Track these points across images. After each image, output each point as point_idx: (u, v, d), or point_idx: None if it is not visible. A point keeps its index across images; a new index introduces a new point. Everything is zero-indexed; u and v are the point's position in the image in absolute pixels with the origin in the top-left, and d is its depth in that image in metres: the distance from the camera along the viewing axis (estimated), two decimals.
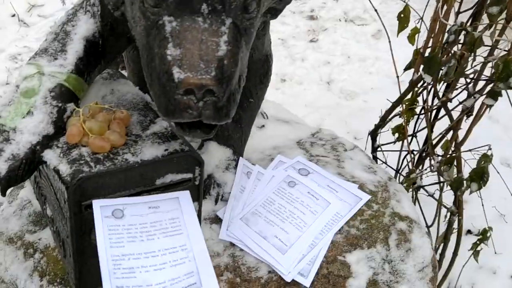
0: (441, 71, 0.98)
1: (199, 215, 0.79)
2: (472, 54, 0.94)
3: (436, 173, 1.33)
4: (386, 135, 1.46)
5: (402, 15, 1.10)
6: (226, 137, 0.95)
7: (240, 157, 0.95)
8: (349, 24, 2.87)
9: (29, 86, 0.69)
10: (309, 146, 1.16)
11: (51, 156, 0.68)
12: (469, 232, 1.73)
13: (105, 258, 0.60)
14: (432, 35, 1.10)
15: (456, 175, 1.28)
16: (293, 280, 0.85)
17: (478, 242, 1.37)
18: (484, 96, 1.05)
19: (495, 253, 1.44)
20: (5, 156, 0.66)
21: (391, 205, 0.99)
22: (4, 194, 0.67)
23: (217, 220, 0.91)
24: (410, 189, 1.43)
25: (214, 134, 0.95)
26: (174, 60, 0.56)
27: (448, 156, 1.23)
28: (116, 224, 0.64)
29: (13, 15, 2.72)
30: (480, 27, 1.05)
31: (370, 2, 1.31)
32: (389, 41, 1.22)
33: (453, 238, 1.43)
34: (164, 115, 0.59)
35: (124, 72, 1.13)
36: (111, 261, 0.61)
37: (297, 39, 2.73)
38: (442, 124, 1.35)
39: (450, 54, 0.96)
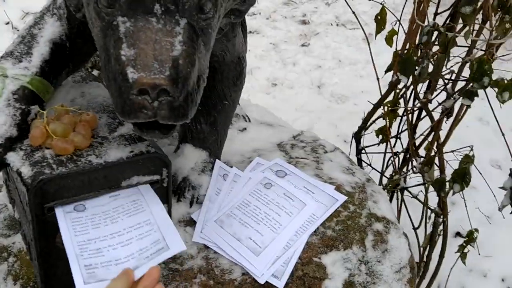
0: (415, 72, 0.98)
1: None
2: (447, 55, 0.94)
3: (419, 174, 1.32)
4: (371, 137, 1.45)
5: (379, 17, 1.10)
6: (201, 139, 0.95)
7: (217, 160, 0.95)
8: (340, 28, 2.88)
9: None
10: (289, 148, 1.16)
11: (14, 158, 0.68)
12: (458, 234, 1.72)
13: (71, 246, 0.61)
14: (409, 37, 1.10)
15: (439, 176, 1.27)
16: (266, 282, 0.84)
17: (464, 244, 1.36)
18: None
19: (479, 254, 1.42)
20: None
21: (367, 206, 0.99)
22: None
23: (192, 223, 0.90)
24: (395, 191, 1.43)
25: (190, 137, 0.98)
26: (128, 60, 0.56)
27: (429, 157, 1.22)
28: (78, 216, 0.64)
29: (7, 23, 2.73)
30: (458, 27, 1.05)
31: (349, 7, 1.31)
32: (369, 44, 1.22)
33: (440, 240, 1.43)
34: (120, 116, 0.59)
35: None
36: (77, 247, 0.61)
37: (289, 43, 2.74)
38: (425, 125, 1.35)
39: (423, 55, 0.96)
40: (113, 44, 0.58)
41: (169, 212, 0.79)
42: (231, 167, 1.00)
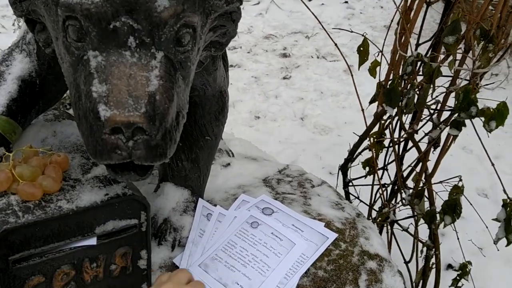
0: (401, 103, 0.96)
1: (148, 265, 0.73)
2: (432, 85, 0.92)
3: (409, 206, 1.29)
4: (358, 169, 1.42)
5: (361, 48, 1.09)
6: (183, 177, 0.90)
7: (200, 199, 0.90)
8: (321, 61, 2.90)
9: None
10: (275, 183, 1.12)
11: None
12: (450, 266, 1.68)
13: None
14: (393, 68, 1.09)
15: (428, 208, 1.24)
16: None
17: (458, 277, 1.32)
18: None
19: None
20: None
21: (359, 243, 0.94)
22: None
23: (174, 268, 0.84)
24: (384, 225, 1.39)
25: (170, 175, 0.92)
26: (100, 97, 0.52)
27: (418, 189, 1.19)
28: None
29: None
30: (441, 57, 1.05)
31: (331, 39, 1.31)
32: (352, 75, 1.21)
33: (433, 273, 1.38)
34: (93, 157, 0.54)
35: None
36: None
37: (270, 76, 2.75)
38: (412, 155, 1.33)
39: (409, 86, 0.94)
40: (84, 80, 0.54)
41: (149, 258, 0.73)
42: (215, 205, 0.95)
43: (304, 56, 2.94)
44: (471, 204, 1.23)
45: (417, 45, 1.15)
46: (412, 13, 1.06)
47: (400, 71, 1.05)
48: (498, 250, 1.15)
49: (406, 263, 1.43)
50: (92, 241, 0.64)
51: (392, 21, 1.15)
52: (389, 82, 1.12)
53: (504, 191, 1.04)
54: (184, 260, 0.84)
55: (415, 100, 0.98)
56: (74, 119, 0.86)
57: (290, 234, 0.90)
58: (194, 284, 0.67)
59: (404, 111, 0.96)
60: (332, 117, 2.41)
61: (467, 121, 1.01)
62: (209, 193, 1.01)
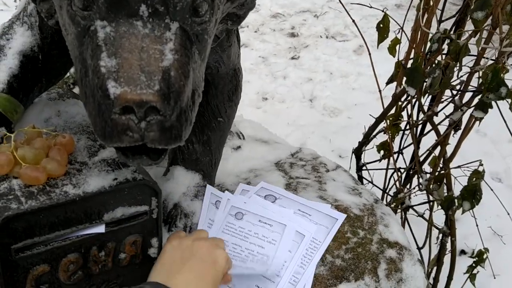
0: (425, 83, 0.91)
1: (159, 253, 0.69)
2: (458, 63, 0.87)
3: (425, 192, 1.25)
4: (371, 153, 1.38)
5: (381, 25, 1.03)
6: (194, 161, 0.86)
7: (208, 185, 0.85)
8: (330, 41, 2.83)
9: None
10: (288, 167, 1.07)
11: None
12: (463, 252, 1.64)
13: None
14: (414, 46, 1.03)
15: (446, 194, 1.20)
16: None
17: (474, 265, 1.28)
18: (473, 108, 0.98)
19: (494, 278, 1.35)
20: None
21: (378, 231, 0.90)
22: None
23: None
24: (399, 210, 1.35)
25: (181, 158, 0.88)
26: (109, 72, 0.46)
27: (437, 174, 1.15)
28: None
29: None
30: (466, 35, 0.99)
31: (350, 16, 1.25)
32: (369, 54, 1.15)
33: (446, 260, 1.35)
34: (101, 139, 0.49)
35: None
36: None
37: (278, 56, 2.68)
38: (429, 139, 1.28)
39: (434, 65, 0.88)
40: (91, 53, 0.48)
41: (160, 247, 0.68)
42: (224, 191, 0.90)
43: (312, 36, 2.87)
44: (491, 190, 1.19)
45: (440, 21, 1.09)
46: None
47: (423, 49, 0.99)
48: None
49: (419, 249, 1.40)
50: (100, 228, 0.60)
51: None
52: (410, 61, 1.06)
53: None
54: None
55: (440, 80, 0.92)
56: (79, 98, 0.81)
57: (277, 215, 0.84)
58: (216, 240, 0.73)
59: (428, 91, 0.90)
60: (341, 99, 2.35)
61: None
62: (219, 177, 0.97)
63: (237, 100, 0.84)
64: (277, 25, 2.95)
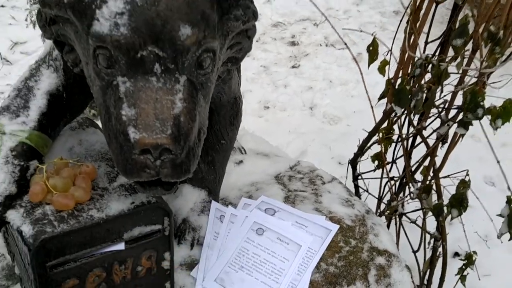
0: (410, 104, 0.99)
1: (171, 265, 0.78)
2: (440, 86, 0.95)
3: (417, 199, 1.33)
4: (367, 162, 1.46)
5: (371, 48, 1.11)
6: (200, 179, 0.95)
7: (212, 201, 0.94)
8: (330, 49, 2.91)
9: None
10: (287, 180, 1.16)
11: (14, 216, 0.67)
12: (456, 254, 1.72)
13: None
14: (402, 67, 1.12)
15: (436, 201, 1.28)
16: None
17: (463, 267, 1.36)
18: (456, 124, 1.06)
19: (479, 279, 1.43)
20: None
21: (369, 240, 0.99)
22: None
23: (194, 265, 0.89)
24: (393, 217, 1.43)
25: (188, 178, 0.97)
26: (129, 120, 0.56)
27: (426, 183, 1.23)
28: None
29: None
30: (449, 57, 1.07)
31: (335, 29, 1.33)
32: (361, 73, 1.23)
33: (440, 263, 1.43)
34: (123, 174, 0.59)
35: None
36: None
37: (279, 65, 2.76)
38: (421, 150, 1.36)
39: (417, 86, 0.97)
40: (113, 103, 0.58)
41: (172, 260, 0.78)
42: (227, 205, 0.99)
43: (312, 44, 2.95)
44: (477, 198, 1.26)
45: (426, 43, 1.17)
46: (422, 12, 1.08)
47: (409, 71, 1.08)
48: (502, 242, 1.19)
49: (414, 252, 1.47)
50: (121, 246, 0.69)
51: (401, 21, 1.17)
52: (398, 81, 1.14)
53: (509, 188, 1.07)
54: (201, 264, 0.88)
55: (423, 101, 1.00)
56: (96, 126, 0.90)
57: (295, 236, 0.93)
58: None
59: (412, 112, 0.99)
60: (341, 106, 2.43)
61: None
62: (224, 192, 1.06)
63: (237, 124, 0.93)
64: (278, 34, 3.03)
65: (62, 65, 0.76)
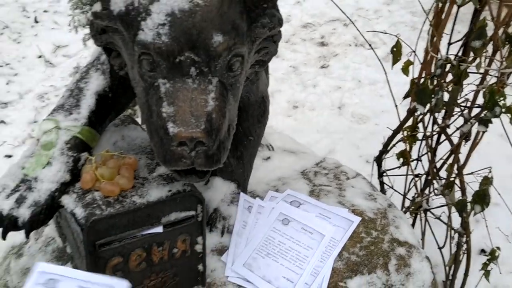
0: (431, 102, 1.03)
1: (203, 249, 0.86)
2: (460, 85, 0.99)
3: (441, 196, 1.36)
4: (393, 160, 1.50)
5: (394, 49, 1.16)
6: (229, 172, 1.03)
7: (241, 193, 1.02)
8: (359, 49, 2.94)
9: (48, 140, 0.79)
10: (312, 175, 1.22)
11: (68, 201, 0.76)
12: (482, 251, 1.73)
13: None
14: (425, 67, 1.16)
15: (460, 198, 1.31)
16: None
17: (487, 262, 1.38)
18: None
19: (500, 273, 1.44)
20: (28, 203, 0.75)
21: (390, 232, 1.04)
22: (27, 237, 0.76)
23: (224, 251, 0.97)
24: (417, 212, 1.47)
25: (219, 170, 1.05)
26: (169, 116, 0.64)
27: (449, 180, 1.26)
28: None
29: (40, 56, 2.90)
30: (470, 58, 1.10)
31: (358, 29, 1.37)
32: (385, 73, 1.28)
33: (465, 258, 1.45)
34: (162, 164, 0.67)
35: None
36: None
37: (308, 65, 2.81)
38: (445, 148, 1.39)
39: (438, 86, 1.01)
40: (155, 102, 0.67)
41: (204, 244, 0.86)
42: (255, 197, 1.06)
43: (342, 44, 2.98)
44: (499, 195, 1.29)
45: (449, 44, 1.21)
46: (443, 15, 1.12)
47: (431, 71, 1.12)
48: None
49: (440, 248, 1.50)
50: (159, 229, 0.78)
51: (424, 22, 1.21)
52: (421, 81, 1.18)
53: None
54: (231, 251, 0.95)
55: (445, 99, 1.04)
56: (136, 123, 0.99)
57: (319, 226, 0.99)
58: None
59: (433, 110, 1.03)
60: (369, 106, 2.46)
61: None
62: (252, 185, 1.13)
63: (265, 122, 1.00)
64: (307, 35, 3.08)
65: (109, 68, 0.85)
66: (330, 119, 2.39)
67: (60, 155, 0.78)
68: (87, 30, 2.03)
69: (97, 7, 0.70)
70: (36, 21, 3.23)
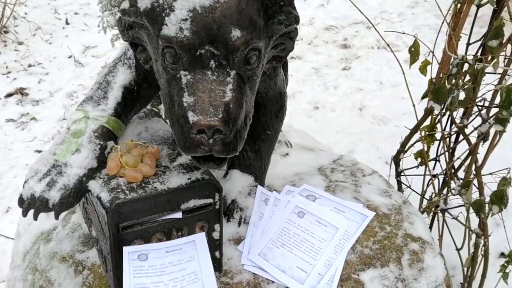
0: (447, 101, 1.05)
1: (220, 236, 0.90)
2: (476, 84, 1.00)
3: (459, 196, 1.36)
4: (411, 159, 1.51)
5: (412, 49, 1.18)
6: (247, 165, 1.06)
7: (258, 185, 1.05)
8: (381, 51, 2.94)
9: (77, 128, 0.85)
10: (329, 172, 1.24)
11: (94, 185, 0.81)
12: (502, 255, 1.72)
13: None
14: (442, 66, 1.17)
15: (478, 198, 1.31)
16: None
17: (505, 264, 1.38)
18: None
19: None
20: (58, 186, 0.80)
21: (403, 227, 1.05)
22: (57, 218, 0.82)
23: (240, 240, 1.01)
24: (434, 212, 1.47)
25: (237, 163, 1.09)
26: (189, 106, 0.69)
27: (466, 180, 1.27)
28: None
29: (70, 57, 3.01)
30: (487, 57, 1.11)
31: (377, 33, 1.39)
32: (403, 73, 1.29)
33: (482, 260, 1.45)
34: (182, 150, 0.72)
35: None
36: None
37: (330, 67, 2.83)
38: (464, 148, 1.39)
39: (454, 85, 1.03)
40: (177, 92, 0.71)
41: (221, 231, 0.89)
42: (272, 191, 1.09)
43: (364, 47, 2.99)
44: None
45: (468, 44, 1.22)
46: (461, 15, 1.13)
47: (448, 71, 1.13)
48: None
49: (458, 250, 1.50)
50: (178, 214, 0.82)
51: (443, 22, 1.22)
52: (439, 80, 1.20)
53: None
54: (247, 241, 0.99)
55: (462, 98, 1.06)
56: (159, 116, 1.04)
57: (333, 219, 1.01)
58: None
59: (449, 108, 1.05)
60: (390, 108, 2.46)
61: None
62: (269, 180, 1.16)
63: (282, 117, 1.04)
64: (330, 37, 3.10)
65: (135, 63, 0.91)
66: (351, 120, 2.41)
67: (88, 142, 0.84)
68: (115, 31, 2.11)
69: (125, 4, 0.76)
70: (67, 23, 3.35)
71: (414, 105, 1.33)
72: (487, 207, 1.28)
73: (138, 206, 0.78)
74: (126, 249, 0.78)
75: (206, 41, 0.69)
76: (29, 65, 2.95)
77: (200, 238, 0.83)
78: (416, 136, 1.44)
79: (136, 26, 0.77)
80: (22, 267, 1.12)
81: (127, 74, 0.90)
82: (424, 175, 1.49)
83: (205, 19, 0.68)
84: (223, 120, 0.68)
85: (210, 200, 0.84)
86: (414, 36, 1.22)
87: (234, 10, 0.69)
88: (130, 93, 0.91)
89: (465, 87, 1.01)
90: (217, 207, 0.86)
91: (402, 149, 1.42)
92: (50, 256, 1.04)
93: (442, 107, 1.11)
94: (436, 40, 1.28)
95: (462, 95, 1.12)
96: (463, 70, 1.07)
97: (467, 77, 1.13)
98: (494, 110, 1.21)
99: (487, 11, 1.22)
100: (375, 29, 1.39)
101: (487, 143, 1.26)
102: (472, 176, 1.32)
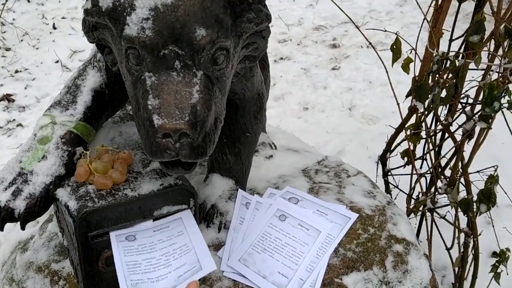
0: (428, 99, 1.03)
1: None
2: (459, 81, 0.98)
3: (445, 195, 1.34)
4: (398, 159, 1.49)
5: (394, 47, 1.16)
6: (228, 169, 1.04)
7: (239, 189, 1.03)
8: (371, 50, 2.92)
9: (44, 134, 0.82)
10: (313, 173, 1.22)
11: (62, 193, 0.79)
12: (494, 254, 1.70)
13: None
14: (424, 64, 1.15)
15: (465, 197, 1.29)
16: None
17: (497, 264, 1.36)
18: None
19: (507, 274, 1.41)
20: (23, 195, 0.78)
21: (387, 228, 1.03)
22: (23, 228, 0.79)
23: (221, 246, 0.98)
24: (421, 212, 1.45)
25: (217, 167, 1.06)
26: (154, 109, 0.66)
27: (452, 178, 1.25)
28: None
29: (57, 61, 2.98)
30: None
31: (360, 34, 1.37)
32: (386, 71, 1.28)
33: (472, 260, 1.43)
34: (149, 155, 0.69)
35: None
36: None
37: (319, 67, 2.82)
38: (450, 145, 1.38)
39: (435, 82, 1.01)
40: (142, 95, 0.68)
41: None
42: (255, 194, 1.07)
43: (353, 46, 2.98)
44: (505, 192, 1.26)
45: (450, 40, 1.20)
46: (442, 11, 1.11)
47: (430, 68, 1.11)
48: None
49: (448, 249, 1.48)
50: (150, 222, 0.79)
51: (424, 19, 1.20)
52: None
53: None
54: (227, 247, 0.96)
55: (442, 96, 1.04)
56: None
57: (315, 222, 0.99)
58: None
59: (431, 106, 1.03)
60: (380, 107, 2.44)
61: None
62: (252, 183, 1.13)
63: (261, 119, 1.01)
64: (319, 37, 3.09)
65: (105, 66, 0.88)
66: (340, 120, 2.39)
67: (55, 149, 0.81)
68: None
69: (88, 4, 0.73)
70: (54, 27, 3.32)
71: (398, 104, 1.31)
72: (475, 206, 1.26)
73: (107, 214, 0.75)
74: (112, 234, 0.77)
75: (169, 40, 0.66)
76: (16, 71, 2.92)
77: (186, 215, 0.82)
78: (402, 135, 1.42)
79: (100, 26, 0.74)
80: (0, 277, 1.09)
81: (97, 77, 0.88)
82: (411, 174, 1.47)
83: (167, 18, 0.65)
84: (190, 123, 0.65)
85: (184, 206, 0.82)
86: (396, 34, 1.20)
87: (198, 8, 0.66)
88: (101, 97, 0.88)
89: (447, 84, 0.99)
90: (192, 213, 0.83)
91: (388, 149, 1.40)
92: (26, 266, 1.01)
93: (425, 105, 1.09)
94: (418, 37, 1.26)
95: (444, 93, 1.10)
96: (445, 67, 1.05)
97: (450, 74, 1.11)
98: (478, 107, 1.20)
99: (470, 7, 1.20)
100: (359, 30, 1.37)
101: (473, 140, 1.24)
102: (458, 174, 1.30)
